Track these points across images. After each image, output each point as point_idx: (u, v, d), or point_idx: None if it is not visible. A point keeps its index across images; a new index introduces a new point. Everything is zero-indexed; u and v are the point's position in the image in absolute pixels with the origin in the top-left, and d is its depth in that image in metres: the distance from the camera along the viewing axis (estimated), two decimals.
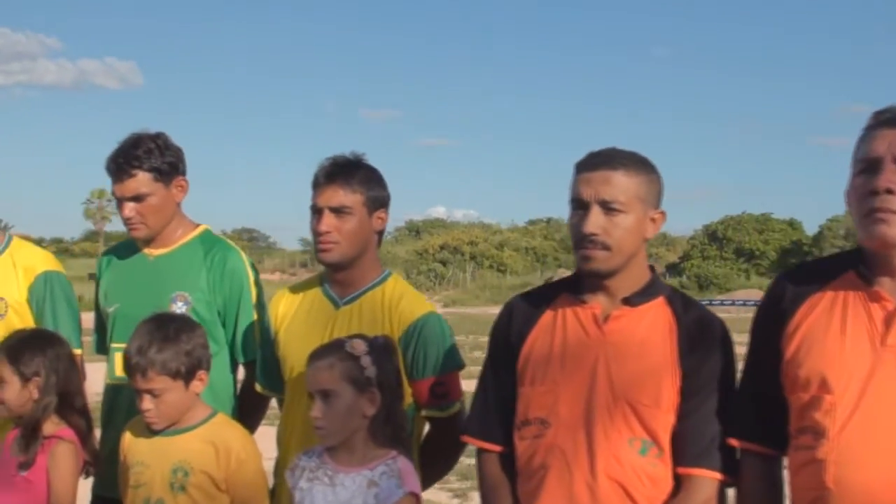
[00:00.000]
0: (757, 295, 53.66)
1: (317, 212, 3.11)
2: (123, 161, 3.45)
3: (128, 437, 3.17)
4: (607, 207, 2.54)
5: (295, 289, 3.36)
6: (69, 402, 3.27)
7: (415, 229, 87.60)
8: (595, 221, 2.54)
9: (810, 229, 76.15)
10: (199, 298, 3.52)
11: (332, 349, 2.84)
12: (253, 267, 3.66)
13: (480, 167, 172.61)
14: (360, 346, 2.82)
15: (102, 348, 3.77)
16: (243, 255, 3.65)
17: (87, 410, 3.33)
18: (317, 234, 3.11)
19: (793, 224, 76.48)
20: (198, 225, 3.69)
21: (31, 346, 3.26)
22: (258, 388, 3.43)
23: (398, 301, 3.14)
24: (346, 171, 3.12)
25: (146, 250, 3.63)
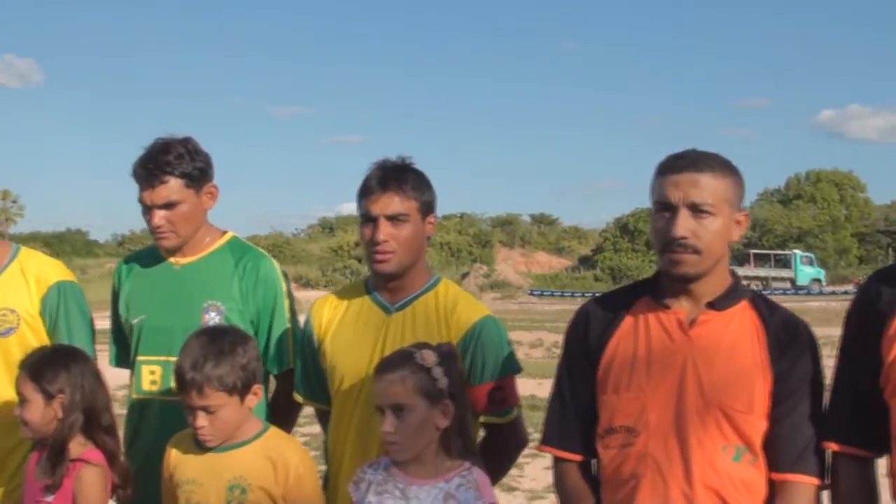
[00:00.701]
0: None
1: (370, 220, 3.04)
2: (154, 167, 3.32)
3: (174, 454, 3.04)
4: (696, 210, 2.53)
5: (339, 295, 3.28)
6: (96, 420, 3.13)
7: (328, 226, 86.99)
8: (684, 224, 2.52)
9: None
10: (231, 308, 3.41)
11: (402, 361, 2.77)
12: (285, 275, 3.56)
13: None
14: (430, 357, 2.77)
15: (123, 361, 3.63)
16: (275, 262, 3.55)
17: (114, 429, 3.19)
18: (373, 243, 3.03)
19: None
20: (224, 232, 3.57)
21: (54, 362, 3.12)
22: (298, 398, 3.33)
23: (454, 305, 3.09)
24: (398, 176, 3.06)
25: (172, 259, 3.49)
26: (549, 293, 54.60)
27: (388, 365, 2.78)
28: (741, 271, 63.70)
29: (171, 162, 3.32)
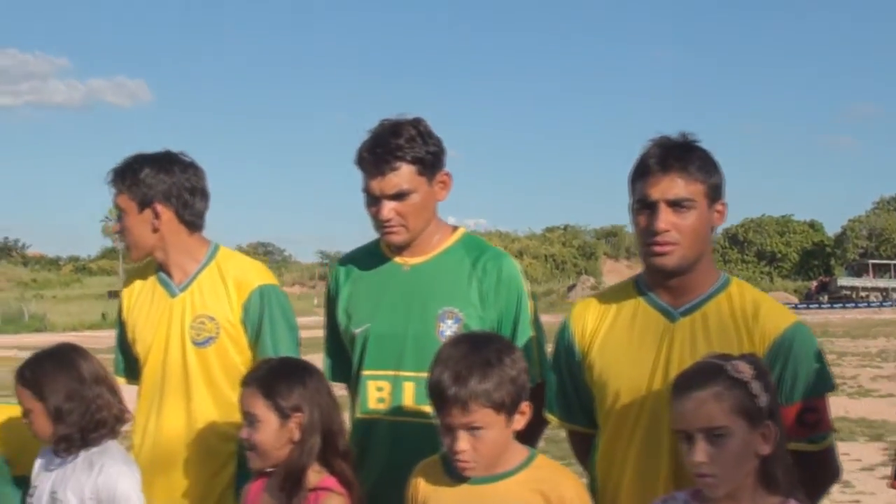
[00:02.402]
0: (785, 297, 53.06)
1: (647, 206, 2.56)
2: (383, 151, 2.89)
3: (423, 486, 2.59)
4: None
5: (604, 298, 2.80)
6: (332, 443, 2.72)
7: None
8: None
9: (831, 230, 75.51)
10: (470, 314, 2.96)
11: (711, 375, 2.29)
12: (525, 275, 3.10)
13: (487, 177, 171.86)
14: (746, 370, 2.28)
15: (340, 375, 3.23)
16: (515, 261, 3.08)
17: (351, 454, 2.78)
18: (651, 233, 2.55)
19: (814, 225, 75.76)
20: (456, 228, 3.13)
21: (287, 376, 2.72)
22: (551, 418, 2.86)
23: (755, 310, 2.58)
24: (682, 156, 2.57)
25: (398, 259, 3.07)
26: None
27: (695, 380, 2.30)
28: (859, 282, 61.77)
29: (402, 146, 2.89)
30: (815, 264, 70.65)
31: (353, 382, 3.06)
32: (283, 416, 2.66)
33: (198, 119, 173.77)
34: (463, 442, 2.41)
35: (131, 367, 3.45)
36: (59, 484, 3.02)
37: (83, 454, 3.02)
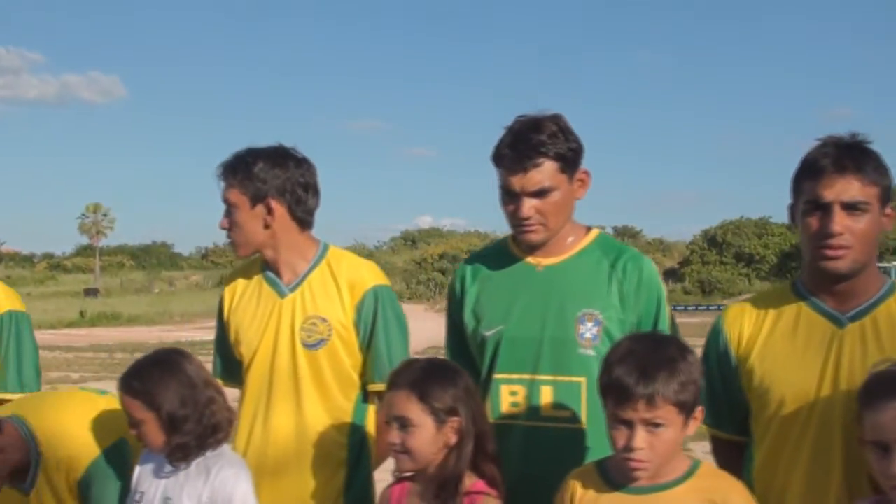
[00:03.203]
0: None
1: (819, 208, 2.48)
2: (525, 147, 2.79)
3: (580, 493, 2.49)
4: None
5: (760, 303, 2.70)
6: (483, 446, 2.63)
7: (410, 238, 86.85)
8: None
9: None
10: (610, 317, 2.85)
11: None
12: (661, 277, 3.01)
13: (465, 177, 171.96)
14: None
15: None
16: (652, 262, 2.98)
17: (498, 458, 2.67)
18: (825, 235, 2.47)
19: (792, 228, 76.06)
20: (590, 228, 3.02)
21: (441, 378, 2.62)
22: (714, 428, 2.79)
23: None
24: (858, 157, 2.49)
25: (531, 259, 2.95)
26: None
27: (892, 389, 2.20)
28: None
29: (544, 142, 2.79)
30: (793, 266, 71.01)
31: (482, 386, 2.94)
32: (440, 420, 2.56)
33: (172, 116, 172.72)
34: (641, 439, 2.31)
35: (230, 369, 3.32)
36: (173, 490, 2.88)
37: (197, 460, 2.90)
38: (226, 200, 3.15)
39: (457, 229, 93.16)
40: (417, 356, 2.89)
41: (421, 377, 2.59)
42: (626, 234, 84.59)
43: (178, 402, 2.85)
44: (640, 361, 2.32)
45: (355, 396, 3.18)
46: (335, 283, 3.16)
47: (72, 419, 3.09)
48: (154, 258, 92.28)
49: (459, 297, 3.06)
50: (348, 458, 3.15)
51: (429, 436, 2.56)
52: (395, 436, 2.59)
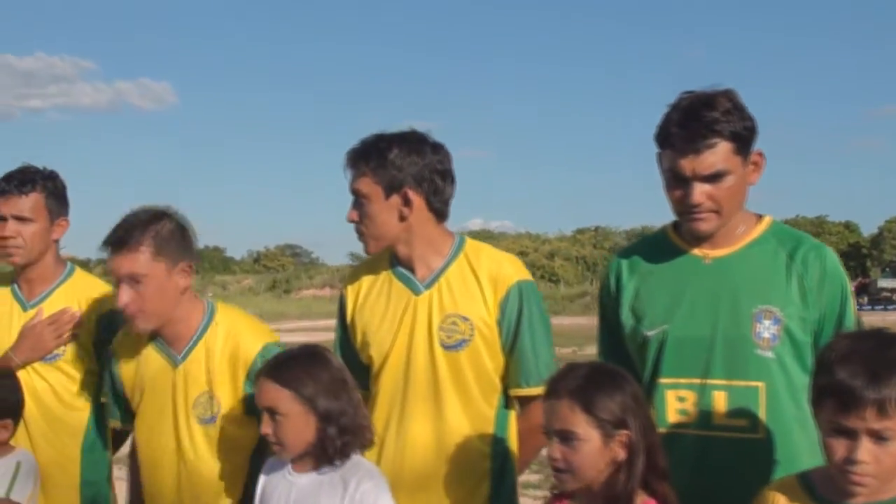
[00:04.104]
0: None
1: None
2: (698, 126, 2.52)
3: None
4: None
5: None
6: (654, 461, 2.35)
7: None
8: None
9: (867, 230, 74.65)
10: (791, 314, 2.58)
11: None
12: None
13: (513, 178, 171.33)
14: None
15: None
16: (834, 252, 2.70)
17: (670, 473, 2.40)
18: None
19: (849, 226, 74.89)
20: (761, 216, 2.75)
21: (607, 385, 2.36)
22: None
23: None
24: None
25: (697, 251, 2.69)
26: None
27: None
28: None
29: (718, 119, 2.52)
30: (851, 265, 69.73)
31: (644, 392, 2.68)
32: (607, 433, 2.30)
33: (222, 121, 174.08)
34: (866, 451, 2.04)
35: (353, 374, 3.08)
36: (307, 500, 2.66)
37: (332, 469, 2.66)
38: (355, 191, 2.91)
39: (506, 231, 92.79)
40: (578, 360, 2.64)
41: (584, 384, 2.33)
42: None
43: (332, 396, 2.64)
44: (867, 362, 2.04)
45: (497, 402, 2.93)
46: (475, 279, 2.92)
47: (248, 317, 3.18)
48: (207, 262, 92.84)
49: (615, 294, 2.81)
50: (491, 470, 2.90)
51: (594, 451, 2.30)
52: (555, 450, 2.33)
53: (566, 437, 2.30)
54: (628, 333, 2.74)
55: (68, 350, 3.43)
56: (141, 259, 2.90)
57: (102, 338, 3.43)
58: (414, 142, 2.91)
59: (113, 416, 3.27)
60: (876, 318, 42.01)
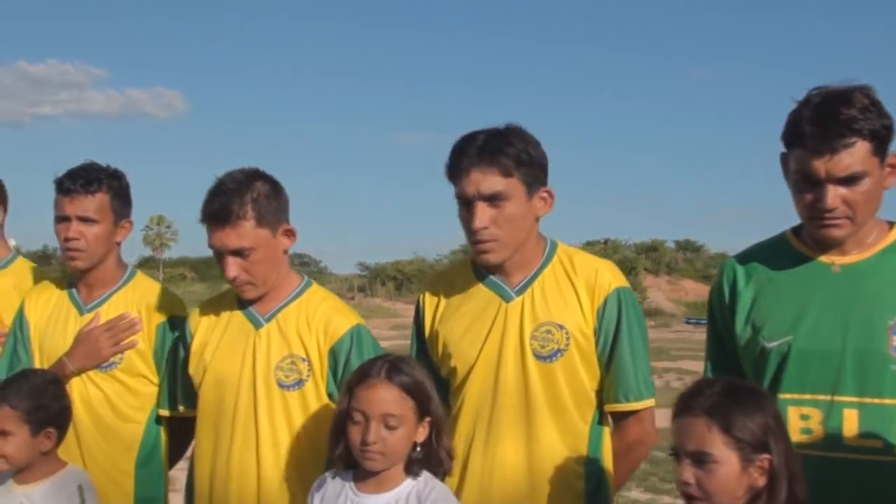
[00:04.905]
0: None
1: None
2: (834, 124, 2.32)
3: None
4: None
5: None
6: (793, 491, 2.14)
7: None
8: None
9: None
10: None
11: None
12: None
13: None
14: None
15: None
16: None
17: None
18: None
19: None
20: (893, 223, 2.54)
21: (744, 403, 2.15)
22: None
23: None
24: None
25: (824, 258, 2.49)
26: (705, 321, 52.34)
27: None
28: None
29: (856, 117, 2.32)
30: None
31: None
32: (746, 457, 2.09)
33: (232, 130, 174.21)
34: None
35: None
36: None
37: (410, 486, 2.46)
38: (492, 194, 2.63)
39: None
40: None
41: (723, 402, 2.13)
42: (689, 248, 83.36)
43: (442, 407, 2.50)
44: None
45: (591, 417, 2.74)
46: (571, 285, 2.73)
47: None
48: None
49: (729, 302, 2.60)
50: (585, 491, 2.70)
51: (732, 475, 2.10)
52: (687, 474, 2.12)
53: (700, 459, 2.10)
54: (744, 345, 2.54)
55: (126, 358, 3.23)
56: (245, 231, 2.81)
57: (163, 347, 3.25)
58: (528, 134, 2.72)
59: (169, 403, 3.18)
60: None
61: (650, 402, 2.74)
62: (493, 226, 2.64)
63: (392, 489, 2.45)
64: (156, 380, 3.27)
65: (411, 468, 2.45)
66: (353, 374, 2.54)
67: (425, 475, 2.48)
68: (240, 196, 2.82)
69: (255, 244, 2.83)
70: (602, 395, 2.75)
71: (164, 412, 3.23)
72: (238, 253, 2.83)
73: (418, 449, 2.46)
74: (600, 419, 2.76)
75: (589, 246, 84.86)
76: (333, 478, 2.54)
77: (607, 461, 2.75)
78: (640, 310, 2.78)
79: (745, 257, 2.64)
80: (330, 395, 2.89)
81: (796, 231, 2.58)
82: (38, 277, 3.61)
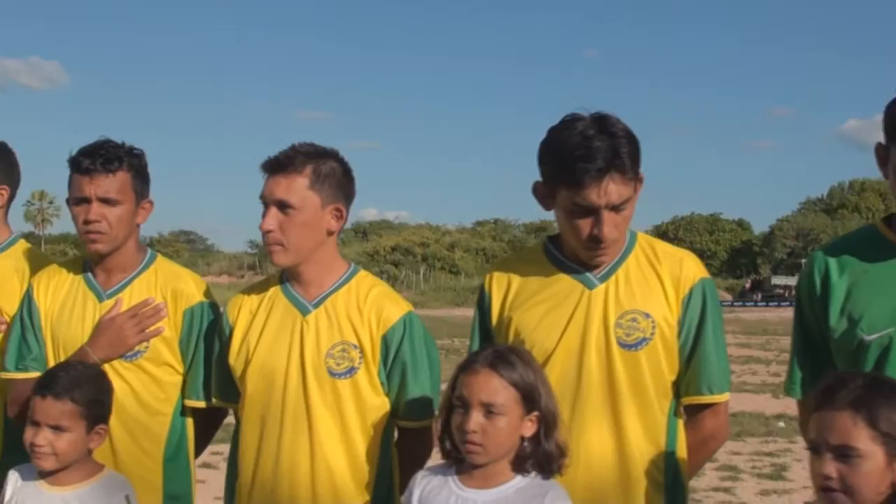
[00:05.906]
0: (719, 296, 53.40)
1: None
2: None
3: None
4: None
5: None
6: None
7: (361, 230, 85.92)
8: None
9: (758, 229, 77.02)
10: None
11: None
12: None
13: (409, 169, 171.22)
14: None
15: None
16: None
17: None
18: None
19: (742, 224, 77.22)
20: None
21: (889, 396, 2.10)
22: None
23: None
24: None
25: None
26: None
27: None
28: (792, 280, 62.66)
29: None
30: (742, 262, 71.86)
31: None
32: (892, 452, 2.05)
33: (115, 102, 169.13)
34: None
35: None
36: None
37: (520, 483, 2.37)
38: (619, 203, 2.54)
39: (404, 221, 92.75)
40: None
41: (868, 395, 2.08)
42: None
43: (555, 403, 2.42)
44: None
45: (668, 408, 2.68)
46: (655, 274, 2.67)
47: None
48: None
49: (820, 293, 2.54)
50: (665, 483, 2.66)
51: (877, 470, 2.04)
52: (830, 468, 2.07)
53: (844, 454, 2.05)
54: (838, 337, 2.49)
55: (151, 346, 3.03)
56: (296, 185, 2.75)
57: (189, 334, 3.06)
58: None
59: (204, 393, 3.04)
60: (771, 315, 43.25)
61: (728, 396, 2.71)
62: (615, 230, 2.58)
63: (500, 485, 2.35)
64: (181, 369, 3.08)
65: (520, 465, 2.35)
66: (462, 362, 2.45)
67: (536, 474, 2.40)
68: (306, 157, 2.77)
69: (300, 204, 2.75)
70: (678, 387, 2.69)
71: (199, 403, 3.05)
72: (281, 206, 2.74)
73: (525, 444, 2.36)
74: (675, 411, 2.70)
75: (480, 226, 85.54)
76: (435, 474, 2.44)
77: (682, 454, 2.70)
78: (719, 301, 2.73)
79: (835, 249, 2.59)
80: (381, 384, 2.80)
81: (888, 221, 2.55)
82: (40, 261, 3.36)
